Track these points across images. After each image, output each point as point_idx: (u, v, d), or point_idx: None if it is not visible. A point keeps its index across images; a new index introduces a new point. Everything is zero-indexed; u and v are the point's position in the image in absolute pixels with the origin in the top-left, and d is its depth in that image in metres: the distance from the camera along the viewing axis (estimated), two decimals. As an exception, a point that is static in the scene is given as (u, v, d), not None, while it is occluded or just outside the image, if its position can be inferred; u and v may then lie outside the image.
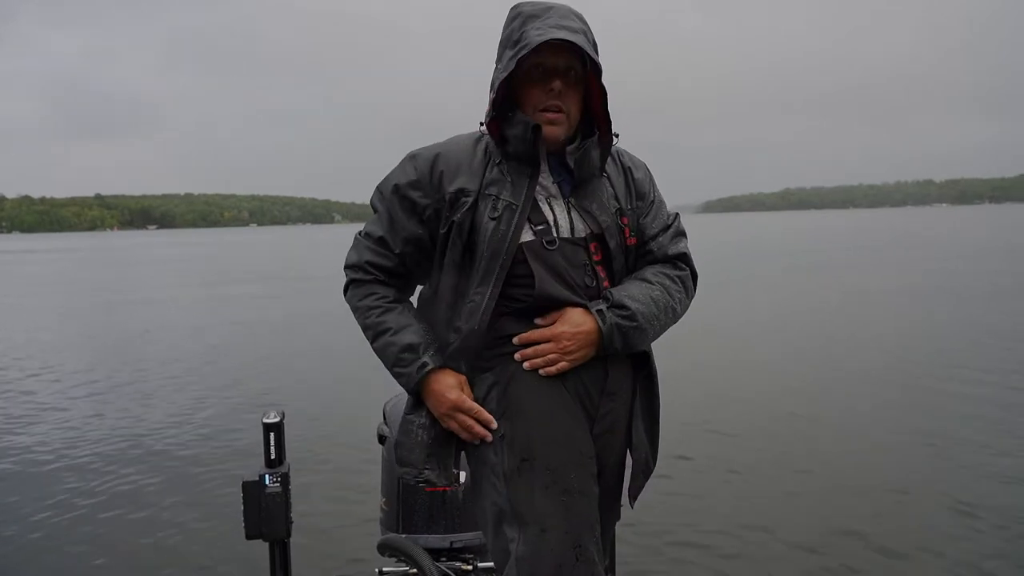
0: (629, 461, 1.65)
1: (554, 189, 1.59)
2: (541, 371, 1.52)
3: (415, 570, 1.95)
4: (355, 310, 1.64)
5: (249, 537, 2.16)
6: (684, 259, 1.68)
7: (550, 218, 1.56)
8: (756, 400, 6.15)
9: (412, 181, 1.58)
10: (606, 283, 1.59)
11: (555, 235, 1.55)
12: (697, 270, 1.71)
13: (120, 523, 3.93)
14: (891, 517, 3.74)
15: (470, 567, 2.03)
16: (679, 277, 1.65)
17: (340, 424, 5.67)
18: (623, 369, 1.60)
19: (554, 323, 1.53)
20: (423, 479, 1.57)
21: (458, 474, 1.68)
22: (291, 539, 2.20)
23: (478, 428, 1.53)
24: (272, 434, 2.16)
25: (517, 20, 1.54)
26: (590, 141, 1.58)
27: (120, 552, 3.59)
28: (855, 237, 41.20)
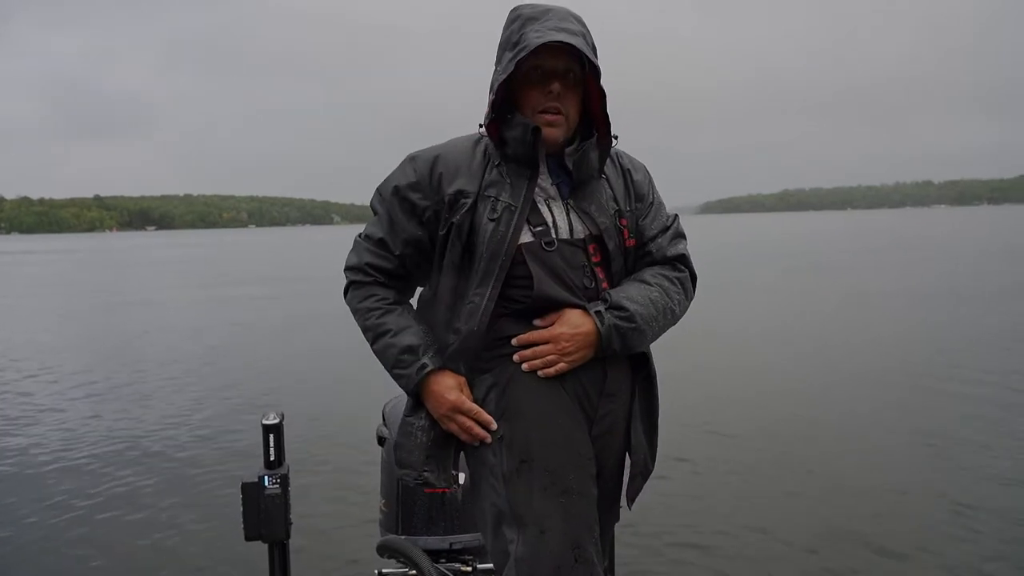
0: (628, 462, 1.65)
1: (553, 191, 1.59)
2: (540, 372, 1.52)
3: (414, 572, 1.95)
4: (355, 312, 1.64)
5: (248, 538, 2.15)
6: (683, 261, 1.68)
7: (549, 220, 1.57)
8: (755, 402, 6.16)
9: (412, 183, 1.59)
10: (605, 284, 1.59)
11: (554, 236, 1.55)
12: (696, 272, 1.71)
13: (118, 524, 3.93)
14: (890, 518, 3.74)
15: (469, 568, 2.03)
16: (678, 279, 1.66)
17: (339, 425, 5.67)
18: (622, 370, 1.61)
19: (553, 324, 1.53)
20: (422, 481, 1.57)
21: (457, 475, 1.68)
22: (290, 540, 2.20)
23: (477, 429, 1.53)
24: (271, 435, 2.15)
25: (516, 22, 1.54)
26: (589, 143, 1.58)
27: (118, 553, 3.59)
28: (854, 238, 41.22)
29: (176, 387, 7.33)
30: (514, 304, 1.54)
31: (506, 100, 1.57)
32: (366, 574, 2.68)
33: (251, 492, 2.12)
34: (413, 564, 1.95)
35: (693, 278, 1.70)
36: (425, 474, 1.56)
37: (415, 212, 1.58)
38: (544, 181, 1.59)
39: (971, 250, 26.57)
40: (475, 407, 1.53)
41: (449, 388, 1.54)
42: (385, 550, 2.06)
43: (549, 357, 1.52)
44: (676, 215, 1.73)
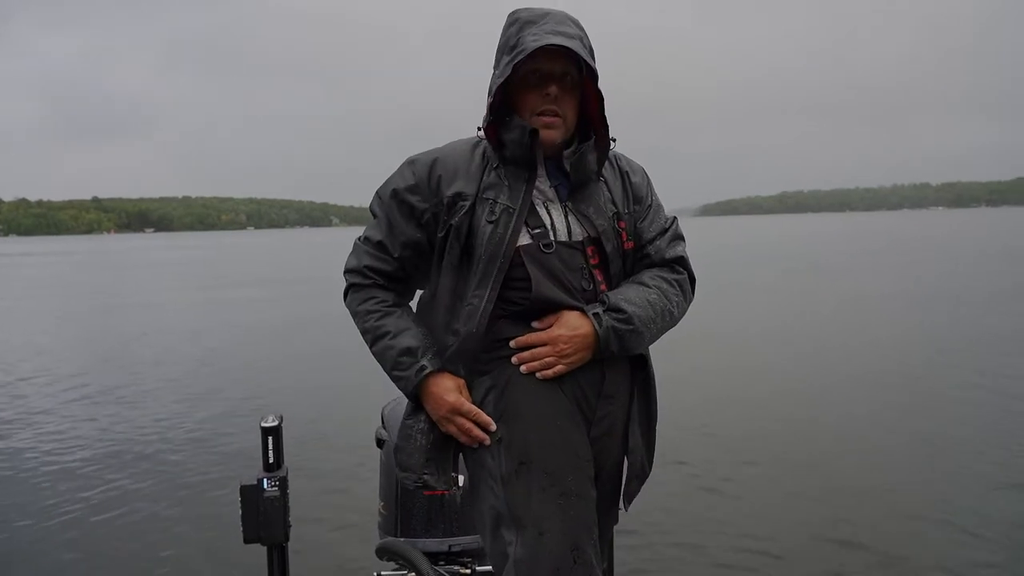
0: (626, 464, 1.65)
1: (551, 193, 1.60)
2: (538, 374, 1.52)
3: (413, 574, 1.95)
4: (354, 314, 1.64)
5: (247, 541, 2.15)
6: (682, 263, 1.69)
7: (547, 222, 1.57)
8: (753, 403, 6.16)
9: (410, 186, 1.59)
10: (603, 287, 1.59)
11: (552, 239, 1.56)
12: (695, 274, 1.72)
13: (116, 527, 3.92)
14: (888, 519, 3.75)
15: (468, 571, 2.03)
16: (676, 281, 1.66)
17: (338, 428, 5.67)
18: (620, 372, 1.61)
19: (551, 326, 1.53)
20: (422, 483, 1.57)
21: (457, 478, 1.68)
22: (289, 543, 2.20)
23: (476, 431, 1.53)
24: (270, 438, 2.15)
25: (514, 26, 1.55)
26: (586, 145, 1.59)
27: (116, 556, 3.58)
28: (852, 240, 41.28)
29: (174, 389, 7.32)
30: (512, 306, 1.54)
31: (504, 103, 1.57)
32: (365, 576, 2.68)
33: (250, 494, 2.12)
34: (412, 566, 1.95)
35: (692, 280, 1.71)
36: (425, 476, 1.56)
37: (414, 215, 1.59)
38: (542, 184, 1.60)
39: (969, 252, 26.62)
40: (474, 409, 1.53)
41: (448, 390, 1.54)
42: (384, 552, 2.05)
43: (547, 359, 1.52)
44: (675, 217, 1.74)
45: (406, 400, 1.62)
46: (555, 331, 1.52)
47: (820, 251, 31.33)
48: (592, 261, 1.59)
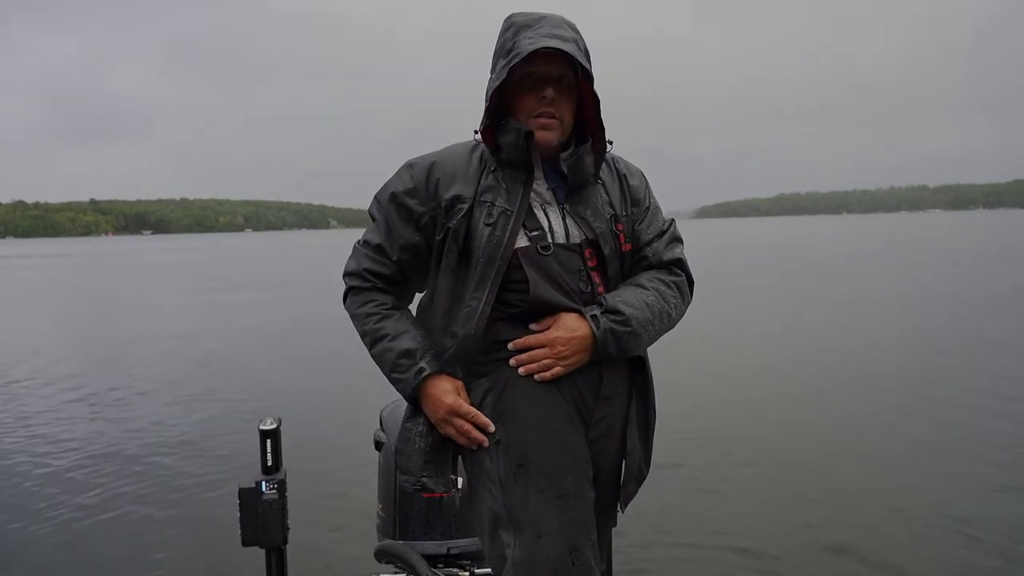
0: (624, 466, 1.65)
1: (549, 196, 1.60)
2: (536, 376, 1.53)
3: (412, 576, 1.95)
4: (354, 317, 1.65)
5: (245, 544, 2.15)
6: (680, 265, 1.69)
7: (545, 224, 1.57)
8: (752, 405, 6.16)
9: (409, 189, 1.60)
10: (601, 289, 1.60)
11: (550, 241, 1.56)
12: (693, 276, 1.72)
13: (113, 530, 3.92)
14: (886, 523, 3.75)
15: (467, 573, 2.03)
16: (674, 283, 1.66)
17: (337, 430, 5.67)
18: (618, 374, 1.61)
19: (549, 328, 1.53)
20: (420, 486, 1.57)
21: (456, 480, 1.68)
22: (287, 546, 2.20)
23: (475, 433, 1.53)
24: (269, 440, 2.16)
25: (510, 30, 1.56)
26: (583, 147, 1.59)
27: (114, 559, 3.58)
28: (850, 243, 41.34)
29: (172, 391, 7.31)
30: (510, 308, 1.55)
31: (501, 107, 1.58)
32: (363, 579, 2.67)
33: (248, 497, 2.12)
34: (411, 569, 1.95)
35: (690, 282, 1.71)
36: (423, 479, 1.57)
37: (412, 218, 1.60)
38: (540, 186, 1.60)
39: (967, 254, 26.66)
40: (473, 410, 1.54)
41: (446, 392, 1.54)
42: (383, 555, 2.05)
43: (545, 361, 1.52)
44: (673, 219, 1.74)
45: (404, 403, 1.63)
46: (553, 333, 1.52)
47: (818, 253, 31.38)
48: (590, 263, 1.59)
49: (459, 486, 1.77)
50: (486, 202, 1.55)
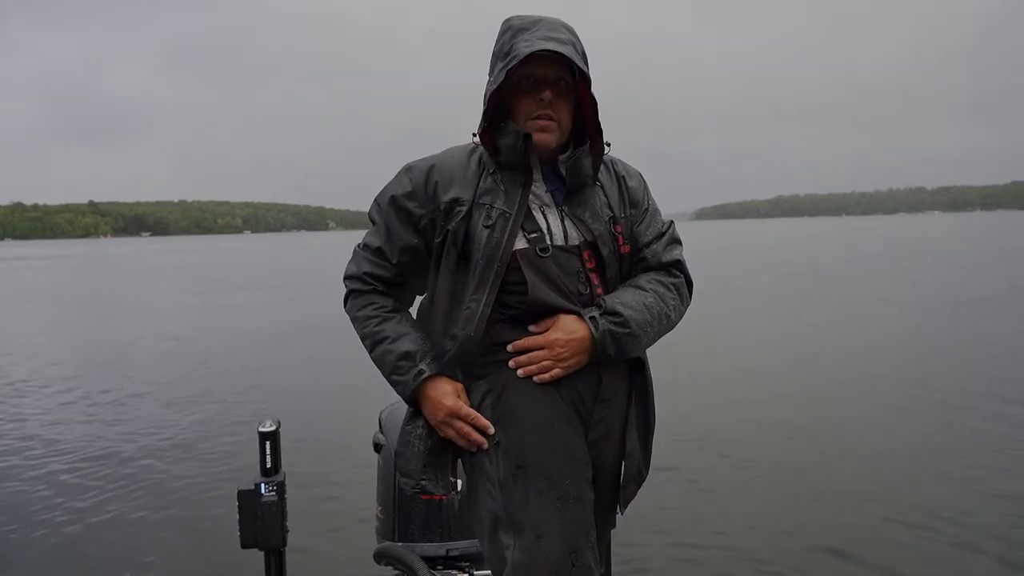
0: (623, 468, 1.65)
1: (547, 198, 1.61)
2: (535, 378, 1.53)
3: (411, 578, 1.95)
4: (354, 320, 1.65)
5: (244, 546, 2.15)
6: (678, 266, 1.69)
7: (543, 226, 1.58)
8: (751, 407, 6.16)
9: (408, 192, 1.61)
10: (600, 290, 1.60)
11: (548, 243, 1.56)
12: (692, 277, 1.72)
13: (112, 532, 3.91)
14: (884, 524, 3.75)
15: (466, 575, 2.03)
16: (673, 284, 1.66)
17: (336, 432, 5.66)
18: (618, 376, 1.61)
19: (547, 330, 1.54)
20: (420, 489, 1.57)
21: (456, 482, 1.69)
22: (287, 548, 2.19)
23: (475, 435, 1.53)
24: (268, 443, 2.16)
25: (508, 33, 1.57)
26: (582, 149, 1.60)
27: (113, 561, 3.57)
28: (849, 244, 41.39)
29: (170, 393, 7.30)
30: (509, 310, 1.55)
31: (499, 109, 1.59)
32: (362, 581, 2.67)
33: (247, 499, 2.12)
34: (410, 571, 1.95)
35: (689, 284, 1.71)
36: (423, 482, 1.57)
37: (411, 220, 1.60)
38: (539, 188, 1.61)
39: (965, 256, 26.69)
40: (472, 412, 1.54)
41: (446, 394, 1.54)
42: (382, 557, 2.05)
43: (544, 363, 1.52)
44: (671, 221, 1.74)
45: (403, 405, 1.63)
46: (552, 335, 1.53)
47: (817, 255, 31.41)
48: (588, 265, 1.60)
49: (459, 488, 1.77)
50: (485, 204, 1.56)
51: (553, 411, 1.53)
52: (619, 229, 1.63)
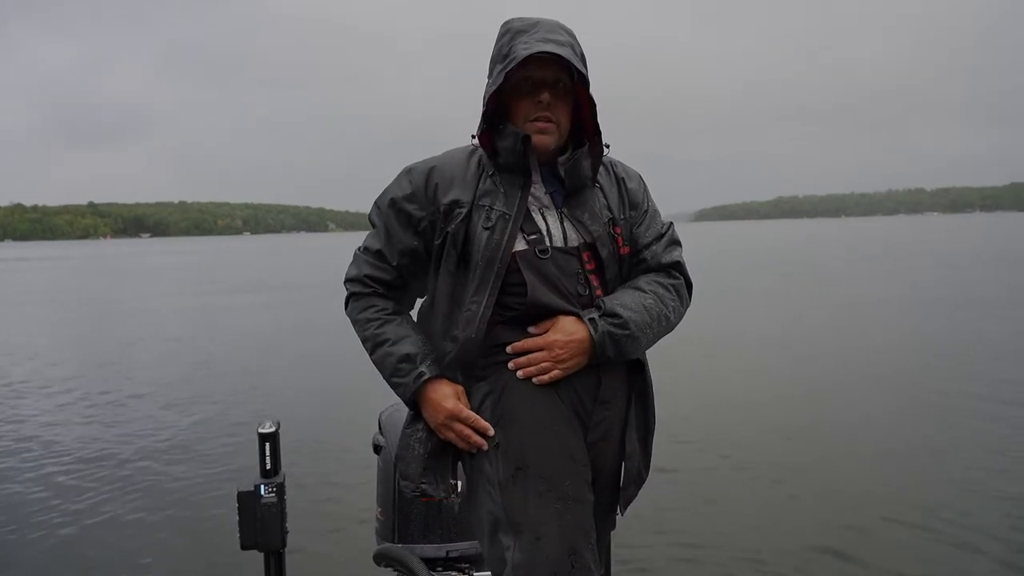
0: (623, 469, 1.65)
1: (547, 200, 1.61)
2: (534, 380, 1.53)
3: (411, 580, 1.95)
4: (355, 323, 1.66)
5: (244, 547, 2.15)
6: (678, 268, 1.69)
7: (543, 228, 1.58)
8: (751, 408, 6.17)
9: (407, 194, 1.61)
10: (599, 292, 1.60)
11: (548, 244, 1.57)
12: (691, 279, 1.72)
13: (111, 533, 3.91)
14: (884, 526, 3.75)
15: (466, 576, 2.03)
16: (673, 286, 1.67)
17: (336, 434, 5.66)
18: (617, 377, 1.61)
19: (547, 331, 1.54)
20: (420, 492, 1.57)
21: (456, 484, 1.68)
22: (286, 549, 2.19)
23: (475, 437, 1.53)
24: (267, 444, 2.16)
25: (506, 36, 1.57)
26: (580, 151, 1.60)
27: (112, 562, 3.57)
28: (848, 245, 41.39)
29: (170, 395, 7.30)
30: (509, 311, 1.55)
31: (498, 111, 1.59)
32: (362, 582, 2.67)
33: (247, 501, 2.12)
34: (410, 572, 1.95)
35: (688, 285, 1.71)
36: (423, 486, 1.57)
37: (411, 223, 1.60)
38: (538, 190, 1.61)
39: (964, 257, 26.70)
40: (472, 414, 1.54)
41: (446, 396, 1.55)
42: (382, 559, 2.05)
43: (543, 364, 1.53)
44: (671, 223, 1.75)
45: (403, 406, 1.63)
46: (551, 336, 1.53)
47: (816, 256, 31.41)
48: (588, 266, 1.60)
49: (459, 491, 1.77)
50: (484, 206, 1.56)
51: (552, 412, 1.53)
52: (618, 230, 1.64)
